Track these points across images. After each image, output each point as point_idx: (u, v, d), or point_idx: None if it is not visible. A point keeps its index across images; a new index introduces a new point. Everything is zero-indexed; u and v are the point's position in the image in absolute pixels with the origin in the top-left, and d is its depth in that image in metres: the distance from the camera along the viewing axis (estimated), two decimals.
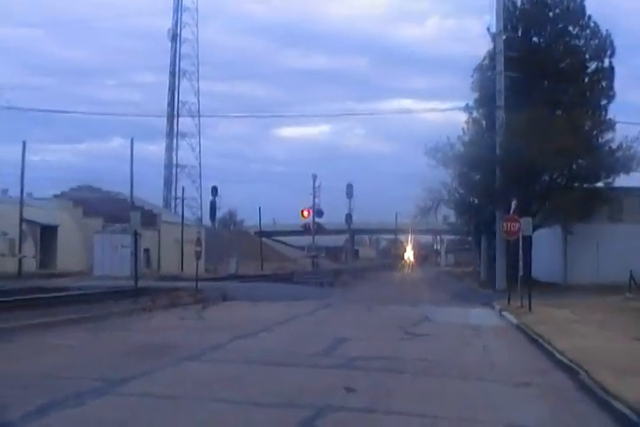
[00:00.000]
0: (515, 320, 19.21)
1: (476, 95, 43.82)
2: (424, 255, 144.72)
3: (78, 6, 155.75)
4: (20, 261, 47.81)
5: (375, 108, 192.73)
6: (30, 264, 52.04)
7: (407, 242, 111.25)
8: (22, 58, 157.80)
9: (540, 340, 14.21)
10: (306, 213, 59.68)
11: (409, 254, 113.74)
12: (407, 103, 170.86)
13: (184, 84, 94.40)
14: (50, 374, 10.12)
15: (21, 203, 49.22)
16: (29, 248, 53.44)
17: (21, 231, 49.84)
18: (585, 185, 38.69)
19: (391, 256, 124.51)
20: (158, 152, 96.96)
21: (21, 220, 49.52)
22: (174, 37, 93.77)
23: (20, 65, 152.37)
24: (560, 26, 41.31)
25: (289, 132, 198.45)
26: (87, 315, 18.55)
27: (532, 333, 15.62)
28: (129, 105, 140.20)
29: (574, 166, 38.39)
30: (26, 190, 51.59)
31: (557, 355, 11.97)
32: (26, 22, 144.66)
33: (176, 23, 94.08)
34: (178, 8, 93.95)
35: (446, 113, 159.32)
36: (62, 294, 26.17)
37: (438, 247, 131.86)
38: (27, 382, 9.50)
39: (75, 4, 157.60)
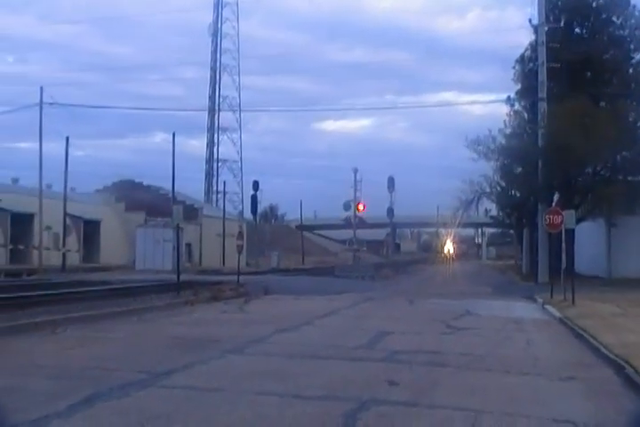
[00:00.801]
0: (558, 314, 19.02)
1: (517, 87, 43.58)
2: (464, 249, 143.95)
3: (121, 2, 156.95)
4: (63, 255, 48.47)
5: (417, 101, 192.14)
6: (74, 258, 52.79)
7: (448, 235, 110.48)
8: (66, 54, 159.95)
9: (585, 334, 14.03)
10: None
11: (449, 248, 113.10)
12: (449, 96, 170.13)
13: (225, 78, 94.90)
14: (95, 365, 10.24)
15: (65, 198, 49.85)
16: (73, 242, 54.20)
17: (65, 226, 50.49)
18: (629, 177, 38.19)
19: (432, 250, 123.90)
20: (200, 147, 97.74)
21: (65, 214, 50.14)
22: (215, 32, 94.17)
23: (65, 61, 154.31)
24: (604, 16, 40.84)
25: (330, 125, 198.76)
26: (130, 308, 18.73)
27: (576, 327, 15.44)
28: (171, 100, 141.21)
29: (618, 158, 37.93)
30: (69, 185, 52.26)
31: (602, 349, 11.82)
32: (70, 19, 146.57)
33: (217, 18, 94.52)
34: (218, 3, 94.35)
35: (489, 105, 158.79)
36: (106, 287, 26.46)
37: (479, 240, 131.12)
38: (72, 373, 9.64)
39: (118, 1, 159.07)
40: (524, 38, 42.62)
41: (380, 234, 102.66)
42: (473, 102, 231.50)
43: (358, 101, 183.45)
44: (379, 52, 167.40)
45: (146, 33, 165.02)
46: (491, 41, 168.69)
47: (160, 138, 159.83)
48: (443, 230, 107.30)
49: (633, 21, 40.64)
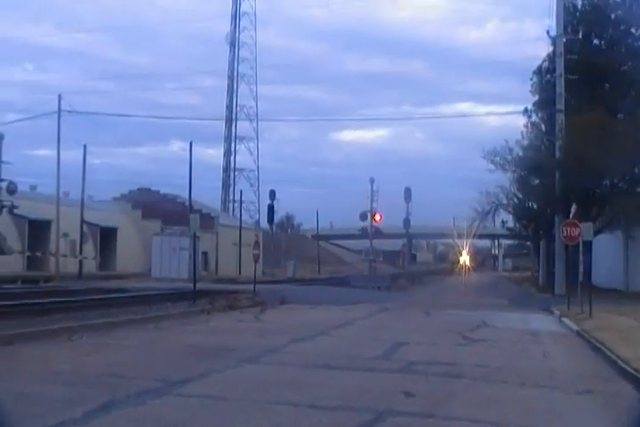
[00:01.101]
0: (575, 326, 18.89)
1: (535, 98, 43.58)
2: (480, 260, 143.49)
3: (139, 11, 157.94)
4: (80, 262, 48.70)
5: (434, 111, 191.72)
6: (90, 265, 53.02)
7: (464, 246, 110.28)
8: (85, 62, 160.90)
9: (602, 347, 13.92)
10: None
11: (465, 259, 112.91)
12: (466, 107, 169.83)
13: (242, 87, 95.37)
14: (111, 372, 10.26)
15: (82, 205, 50.13)
16: (90, 250, 54.43)
17: (82, 233, 50.73)
18: None
19: (448, 261, 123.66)
20: (217, 156, 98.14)
21: (82, 222, 50.39)
22: (232, 42, 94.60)
23: (83, 69, 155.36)
24: (622, 28, 40.75)
25: (347, 135, 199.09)
26: (147, 316, 18.78)
27: (594, 339, 15.33)
28: (189, 109, 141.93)
29: (636, 170, 37.76)
30: (86, 193, 52.61)
31: (620, 363, 11.72)
32: (88, 27, 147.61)
33: (234, 28, 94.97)
34: (236, 13, 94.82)
35: (506, 117, 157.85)
36: (123, 295, 26.56)
37: (496, 252, 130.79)
38: (89, 379, 9.67)
39: (136, 10, 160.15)
40: (542, 50, 42.61)
41: (396, 244, 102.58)
42: (489, 113, 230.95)
43: (375, 111, 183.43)
44: (396, 63, 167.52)
45: (164, 42, 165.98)
46: (508, 52, 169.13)
47: (177, 146, 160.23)
48: (459, 241, 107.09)
49: None
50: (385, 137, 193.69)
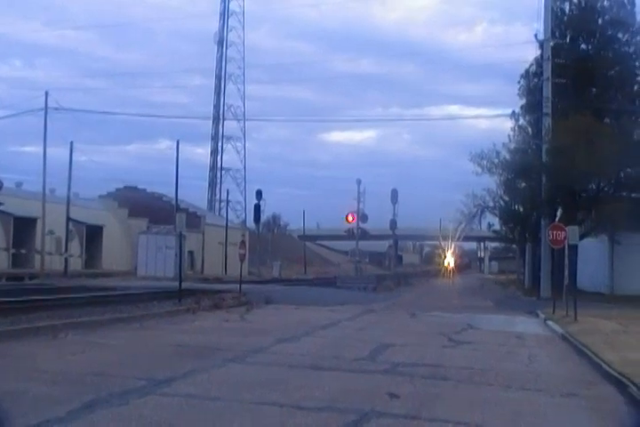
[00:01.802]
0: (560, 330, 18.97)
1: (522, 102, 43.68)
2: (466, 262, 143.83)
3: (129, 9, 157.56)
4: (66, 259, 48.51)
5: (422, 113, 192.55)
6: (76, 263, 52.86)
7: (450, 248, 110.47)
8: (74, 60, 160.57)
9: (587, 351, 13.99)
10: (350, 217, 59.41)
11: (450, 261, 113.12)
12: (454, 109, 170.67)
13: (230, 87, 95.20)
14: (96, 371, 10.22)
15: (68, 202, 49.96)
16: (75, 247, 54.25)
17: (68, 230, 50.54)
18: (633, 194, 38.20)
19: (434, 262, 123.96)
20: (205, 155, 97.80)
21: (68, 219, 50.21)
22: (220, 41, 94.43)
23: (72, 67, 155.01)
24: (609, 33, 40.95)
25: (335, 136, 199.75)
26: (132, 315, 18.71)
27: (578, 343, 15.40)
28: (177, 107, 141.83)
29: (622, 175, 37.91)
30: (73, 191, 52.46)
31: (605, 367, 11.77)
32: (77, 25, 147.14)
33: (222, 27, 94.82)
34: (224, 12, 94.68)
35: (494, 120, 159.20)
36: (108, 293, 26.49)
37: (482, 254, 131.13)
38: (73, 378, 9.64)
39: (126, 8, 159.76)
40: (530, 53, 42.79)
41: (382, 246, 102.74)
42: (478, 116, 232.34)
43: (364, 113, 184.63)
44: (385, 64, 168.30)
45: (154, 40, 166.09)
46: (497, 55, 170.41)
47: (165, 145, 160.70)
48: (445, 243, 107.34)
49: (638, 38, 40.75)
50: (373, 138, 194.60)
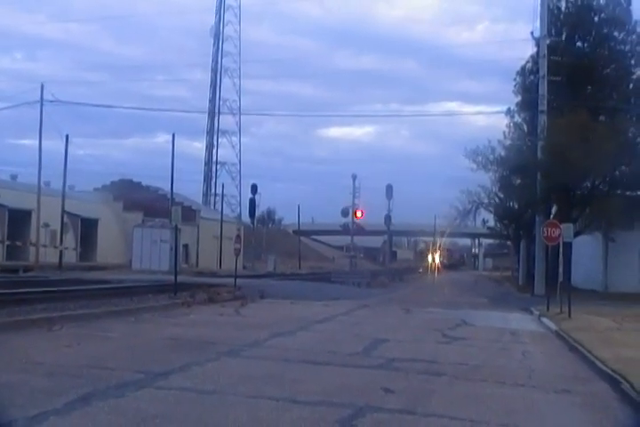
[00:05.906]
0: (554, 326, 19.04)
1: (518, 99, 43.70)
2: (461, 259, 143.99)
3: (130, 3, 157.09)
4: (60, 252, 48.43)
5: (421, 110, 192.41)
6: (70, 256, 52.81)
7: (444, 245, 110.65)
8: (74, 53, 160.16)
9: (581, 347, 14.04)
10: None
11: (445, 257, 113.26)
12: (454, 106, 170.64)
13: (226, 81, 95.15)
14: (92, 364, 10.24)
15: (63, 195, 49.89)
16: (70, 240, 54.20)
17: (63, 223, 50.48)
18: (627, 192, 38.29)
19: (428, 258, 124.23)
20: (201, 149, 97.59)
21: (63, 212, 50.15)
22: (216, 35, 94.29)
23: (72, 60, 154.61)
24: (605, 31, 41.01)
25: (333, 132, 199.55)
26: (127, 308, 18.74)
27: (572, 340, 15.45)
28: (176, 101, 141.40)
29: (617, 173, 37.98)
30: (68, 183, 52.35)
31: (598, 364, 11.81)
32: (79, 18, 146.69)
33: (218, 21, 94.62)
34: (220, 6, 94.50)
35: (492, 116, 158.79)
36: (103, 286, 26.48)
37: (476, 251, 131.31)
38: (70, 370, 9.65)
39: (127, 1, 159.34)
40: (527, 51, 42.79)
41: (377, 241, 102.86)
42: (477, 113, 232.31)
43: (363, 108, 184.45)
44: (386, 61, 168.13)
45: (153, 34, 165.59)
46: (497, 53, 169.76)
47: (163, 139, 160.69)
48: (439, 239, 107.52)
49: (634, 37, 40.81)
50: (372, 134, 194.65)
